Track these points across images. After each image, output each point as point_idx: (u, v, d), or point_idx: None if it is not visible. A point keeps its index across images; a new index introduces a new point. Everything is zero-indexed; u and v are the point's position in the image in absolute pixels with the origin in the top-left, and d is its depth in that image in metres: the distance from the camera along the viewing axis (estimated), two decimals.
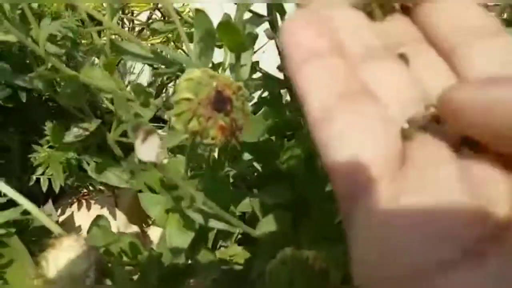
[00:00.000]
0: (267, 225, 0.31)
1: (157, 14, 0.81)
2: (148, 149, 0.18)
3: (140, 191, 0.66)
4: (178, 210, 0.31)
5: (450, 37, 0.13)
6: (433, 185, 0.10)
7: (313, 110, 0.12)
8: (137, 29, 0.81)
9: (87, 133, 0.40)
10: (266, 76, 0.55)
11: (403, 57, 0.13)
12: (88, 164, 0.50)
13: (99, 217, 0.46)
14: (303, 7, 0.14)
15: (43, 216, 0.28)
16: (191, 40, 0.51)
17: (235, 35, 0.26)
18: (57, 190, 0.52)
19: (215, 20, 0.30)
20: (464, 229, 0.10)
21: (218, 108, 0.18)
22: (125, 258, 0.44)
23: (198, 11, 0.31)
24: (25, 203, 0.27)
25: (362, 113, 0.11)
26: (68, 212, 0.65)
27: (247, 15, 0.48)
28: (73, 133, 0.40)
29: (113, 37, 0.41)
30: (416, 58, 0.13)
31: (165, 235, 0.44)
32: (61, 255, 0.23)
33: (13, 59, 0.45)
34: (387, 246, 0.10)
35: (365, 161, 0.11)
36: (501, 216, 0.10)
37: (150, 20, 0.84)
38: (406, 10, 0.14)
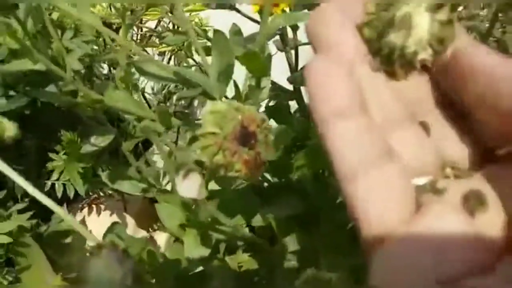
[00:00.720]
0: (290, 243, 0.32)
1: (165, 21, 0.81)
2: (189, 186, 0.19)
3: (150, 198, 0.67)
4: (195, 226, 0.33)
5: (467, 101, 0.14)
6: (438, 221, 0.13)
7: (342, 167, 0.13)
8: (142, 33, 0.82)
9: (104, 144, 0.41)
10: (276, 87, 0.56)
11: (423, 124, 0.14)
12: (103, 170, 0.52)
13: (114, 224, 0.48)
14: (323, 53, 0.14)
15: (73, 220, 0.29)
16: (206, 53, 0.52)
17: (258, 63, 0.26)
18: (71, 196, 0.53)
19: (221, 27, 0.30)
20: (465, 253, 0.12)
21: (243, 142, 0.19)
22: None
23: (216, 32, 0.31)
24: (55, 207, 0.28)
25: (386, 173, 0.13)
26: (79, 217, 0.66)
27: (255, 27, 0.49)
28: (91, 145, 0.41)
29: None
30: (435, 124, 0.15)
31: (173, 241, 0.45)
32: (99, 262, 0.24)
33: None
34: (403, 267, 0.13)
35: (386, 215, 0.13)
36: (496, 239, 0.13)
37: (159, 28, 0.85)
38: (424, 68, 0.15)
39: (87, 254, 0.24)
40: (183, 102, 0.84)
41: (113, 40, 0.42)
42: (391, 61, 0.15)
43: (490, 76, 0.13)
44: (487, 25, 0.28)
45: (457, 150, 0.15)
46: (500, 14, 0.27)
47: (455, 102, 0.15)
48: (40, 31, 0.36)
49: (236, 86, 0.32)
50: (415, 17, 0.15)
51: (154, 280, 0.43)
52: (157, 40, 0.80)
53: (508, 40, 0.28)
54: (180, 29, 0.68)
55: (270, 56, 0.31)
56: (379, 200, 0.13)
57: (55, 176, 0.53)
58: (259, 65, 0.27)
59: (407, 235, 0.13)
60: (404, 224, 0.13)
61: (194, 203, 0.31)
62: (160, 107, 0.30)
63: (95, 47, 0.46)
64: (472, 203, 0.14)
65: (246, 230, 0.35)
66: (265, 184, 0.50)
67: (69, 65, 0.27)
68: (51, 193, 0.55)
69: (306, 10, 0.40)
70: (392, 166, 0.13)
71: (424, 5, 0.14)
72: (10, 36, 0.24)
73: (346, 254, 0.32)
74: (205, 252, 0.32)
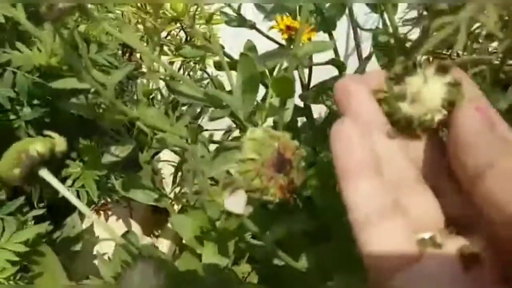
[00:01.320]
0: (308, 258, 0.33)
1: (176, 30, 0.83)
2: (236, 201, 0.20)
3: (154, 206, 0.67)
4: (215, 239, 0.34)
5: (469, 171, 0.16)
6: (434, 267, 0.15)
7: (356, 217, 0.16)
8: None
9: (123, 154, 0.42)
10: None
11: (433, 187, 0.17)
12: (116, 179, 0.53)
13: (127, 232, 0.49)
14: (347, 118, 0.17)
15: (101, 222, 0.30)
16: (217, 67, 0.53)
17: (288, 86, 0.28)
18: (84, 202, 0.54)
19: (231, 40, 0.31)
20: None
21: (279, 169, 0.20)
22: None
23: (243, 55, 0.33)
24: (88, 212, 0.30)
25: (393, 225, 0.16)
26: (87, 222, 0.67)
27: (271, 45, 0.51)
28: (110, 156, 0.42)
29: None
30: (441, 184, 0.17)
31: (176, 249, 0.45)
32: (136, 274, 0.25)
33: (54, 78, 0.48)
34: None
35: (390, 260, 0.16)
36: None
37: (169, 37, 0.86)
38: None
39: (125, 266, 0.25)
40: (187, 111, 0.85)
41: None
42: (410, 129, 0.17)
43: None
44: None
45: (460, 210, 0.17)
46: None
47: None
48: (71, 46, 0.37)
49: (258, 107, 0.34)
50: (425, 87, 0.17)
51: None
52: (167, 49, 0.81)
53: None
54: (193, 41, 0.69)
55: (294, 79, 0.33)
56: (382, 247, 0.16)
57: (68, 182, 0.54)
58: (287, 88, 0.28)
59: (405, 277, 0.15)
60: (406, 268, 0.16)
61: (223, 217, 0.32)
62: (192, 125, 0.31)
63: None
64: (467, 258, 0.16)
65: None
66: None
67: (111, 84, 0.28)
68: (62, 200, 0.56)
69: (328, 39, 0.41)
70: (399, 219, 0.16)
71: (439, 79, 0.17)
72: (66, 54, 0.26)
73: (358, 270, 0.33)
74: (225, 262, 0.33)
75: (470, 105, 0.16)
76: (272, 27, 0.40)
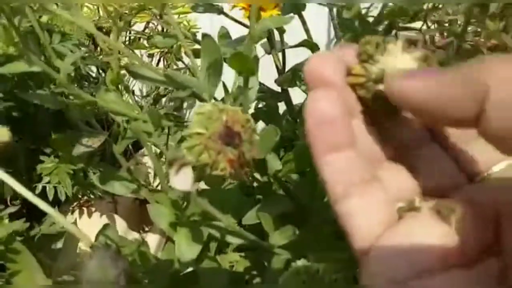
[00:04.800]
0: (278, 238, 0.33)
1: (153, 23, 0.82)
2: (183, 179, 0.19)
3: (140, 199, 0.67)
4: (186, 224, 0.33)
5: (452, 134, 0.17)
6: (413, 226, 0.15)
7: (333, 190, 0.16)
8: (130, 36, 0.82)
9: (95, 146, 0.42)
10: (264, 89, 0.57)
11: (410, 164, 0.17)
12: (94, 173, 0.52)
13: (106, 225, 0.48)
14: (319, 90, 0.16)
15: (68, 222, 0.29)
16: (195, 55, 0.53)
17: (246, 63, 0.27)
18: (63, 199, 0.54)
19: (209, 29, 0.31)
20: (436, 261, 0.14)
21: (228, 142, 0.20)
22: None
23: (205, 35, 0.32)
24: (50, 210, 0.29)
25: (370, 194, 0.16)
26: (70, 219, 0.66)
27: (244, 31, 0.50)
28: (82, 147, 0.42)
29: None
30: (418, 160, 0.17)
31: (165, 243, 0.45)
32: (94, 262, 0.24)
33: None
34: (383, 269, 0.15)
35: (370, 228, 0.15)
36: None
37: (147, 30, 0.85)
38: None
39: (82, 255, 0.25)
40: (172, 104, 0.84)
41: (103, 43, 0.42)
42: (384, 109, 0.16)
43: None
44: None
45: (441, 178, 0.17)
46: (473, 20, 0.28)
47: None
48: (29, 34, 0.36)
49: (224, 87, 0.33)
50: (396, 65, 0.16)
51: (147, 281, 0.44)
52: (145, 42, 0.80)
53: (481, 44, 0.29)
54: (169, 31, 0.68)
55: (257, 58, 0.32)
56: (363, 216, 0.15)
57: (45, 179, 0.53)
58: (246, 65, 0.28)
59: (385, 242, 0.15)
60: (385, 234, 0.15)
61: (185, 199, 0.32)
62: (151, 108, 0.31)
63: (83, 49, 0.46)
64: (444, 211, 0.15)
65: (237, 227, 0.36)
66: (254, 183, 0.51)
67: (64, 68, 0.27)
68: (41, 197, 0.55)
69: (291, 14, 0.41)
70: (376, 188, 0.16)
71: (408, 55, 0.16)
72: (7, 37, 0.25)
73: (333, 248, 0.33)
74: (197, 249, 0.33)
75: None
76: (234, 6, 0.39)
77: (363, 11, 0.34)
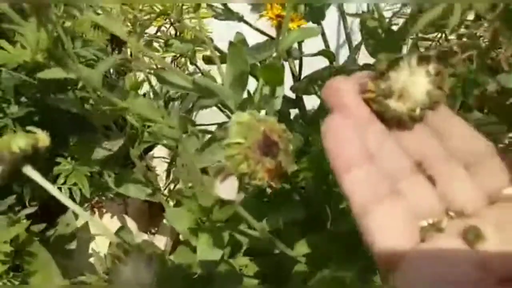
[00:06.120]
0: (302, 247, 0.34)
1: (166, 26, 0.82)
2: (227, 188, 0.20)
3: (150, 201, 0.67)
4: (209, 229, 0.34)
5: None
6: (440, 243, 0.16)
7: (355, 205, 0.16)
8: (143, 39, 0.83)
9: (115, 148, 0.42)
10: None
11: (430, 177, 0.17)
12: (109, 175, 0.53)
13: (121, 228, 0.48)
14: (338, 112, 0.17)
15: (98, 222, 0.30)
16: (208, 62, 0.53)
17: (276, 74, 0.28)
18: (77, 200, 0.54)
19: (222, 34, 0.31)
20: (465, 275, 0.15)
21: (266, 152, 0.20)
22: None
23: (232, 44, 0.33)
24: (78, 209, 0.29)
25: (393, 208, 0.16)
26: (82, 220, 0.67)
27: (261, 38, 0.51)
28: (102, 150, 0.42)
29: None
30: (438, 175, 0.18)
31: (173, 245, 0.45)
32: (128, 266, 0.25)
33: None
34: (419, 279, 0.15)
35: (394, 243, 0.16)
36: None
37: (159, 33, 0.86)
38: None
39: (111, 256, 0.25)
40: (180, 107, 0.84)
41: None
42: (400, 123, 0.18)
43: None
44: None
45: (462, 196, 0.17)
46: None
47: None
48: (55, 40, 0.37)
49: (249, 95, 0.34)
50: (409, 81, 0.17)
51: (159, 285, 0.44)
52: (157, 46, 0.80)
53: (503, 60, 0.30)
54: (182, 36, 0.69)
55: (283, 67, 0.33)
56: (387, 231, 0.16)
57: (61, 180, 0.53)
58: (276, 76, 0.28)
59: (418, 255, 0.16)
60: (412, 249, 0.16)
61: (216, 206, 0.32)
62: (182, 115, 0.31)
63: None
64: (470, 236, 0.16)
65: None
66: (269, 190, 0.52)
67: (98, 73, 0.28)
68: (55, 199, 0.56)
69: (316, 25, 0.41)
70: (399, 203, 0.17)
71: (421, 70, 0.17)
72: (51, 44, 0.26)
73: (354, 256, 0.33)
74: (218, 253, 0.33)
75: None
76: (261, 16, 0.40)
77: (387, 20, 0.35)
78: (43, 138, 0.26)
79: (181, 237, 0.57)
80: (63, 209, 0.61)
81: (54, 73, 0.27)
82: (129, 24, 0.46)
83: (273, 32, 0.47)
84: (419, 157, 0.18)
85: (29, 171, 0.29)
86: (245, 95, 0.34)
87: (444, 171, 0.18)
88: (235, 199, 0.20)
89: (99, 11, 0.40)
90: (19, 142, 0.25)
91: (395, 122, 0.18)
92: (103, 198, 0.68)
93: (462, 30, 0.31)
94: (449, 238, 0.16)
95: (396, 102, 0.17)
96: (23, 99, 0.44)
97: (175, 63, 0.84)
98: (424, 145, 0.18)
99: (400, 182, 0.17)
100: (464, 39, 0.35)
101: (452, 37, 0.36)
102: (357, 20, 0.44)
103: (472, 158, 0.18)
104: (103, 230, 0.27)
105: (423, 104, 0.18)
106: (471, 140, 0.18)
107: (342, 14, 0.53)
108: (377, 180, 0.16)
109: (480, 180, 0.17)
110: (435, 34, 0.35)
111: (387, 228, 0.16)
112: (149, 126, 0.43)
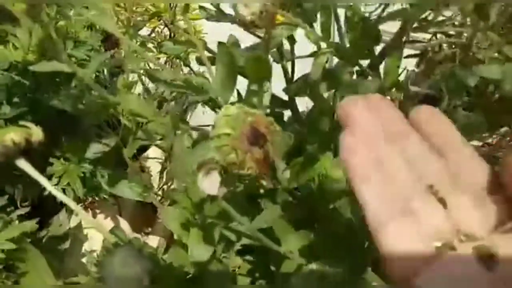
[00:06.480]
0: (294, 243, 0.34)
1: (160, 27, 0.83)
2: (210, 183, 0.20)
3: (143, 202, 0.67)
4: (200, 226, 0.34)
5: None
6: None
7: (371, 217, 0.17)
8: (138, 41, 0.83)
9: (106, 149, 0.42)
10: (273, 97, 0.58)
11: (441, 200, 0.18)
12: (102, 176, 0.53)
13: (114, 228, 0.48)
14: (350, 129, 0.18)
15: (91, 219, 0.30)
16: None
17: (263, 68, 0.28)
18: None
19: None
20: None
21: (254, 142, 0.21)
22: None
23: (221, 44, 0.33)
24: (76, 207, 0.29)
25: (404, 226, 0.17)
26: (75, 221, 0.66)
27: (255, 39, 0.51)
28: (93, 150, 0.42)
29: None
30: (448, 197, 0.18)
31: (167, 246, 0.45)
32: (117, 260, 0.25)
33: (32, 75, 0.47)
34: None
35: (407, 261, 0.17)
36: None
37: (153, 34, 0.86)
38: None
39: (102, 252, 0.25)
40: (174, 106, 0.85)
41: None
42: None
43: None
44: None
45: (471, 219, 0.18)
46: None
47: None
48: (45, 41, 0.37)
49: (238, 93, 0.34)
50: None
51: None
52: (152, 47, 0.81)
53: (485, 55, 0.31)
54: (176, 37, 0.69)
55: (269, 60, 0.33)
56: (401, 247, 0.17)
57: (54, 181, 0.53)
58: (261, 69, 0.29)
59: (433, 273, 0.16)
60: (427, 266, 0.16)
61: (206, 201, 0.32)
62: (172, 111, 0.32)
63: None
64: (484, 257, 0.16)
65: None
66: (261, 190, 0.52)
67: (90, 71, 0.28)
68: (48, 199, 0.56)
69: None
70: (409, 221, 0.17)
71: None
72: (46, 37, 0.26)
73: (344, 253, 0.34)
74: (209, 250, 0.33)
75: None
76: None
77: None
78: (36, 132, 0.26)
79: (175, 236, 0.57)
80: (56, 210, 0.61)
81: (48, 66, 0.28)
82: (121, 25, 0.47)
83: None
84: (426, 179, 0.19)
85: (23, 164, 0.29)
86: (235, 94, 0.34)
87: (452, 198, 0.18)
88: (217, 193, 0.21)
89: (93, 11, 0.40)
90: (12, 135, 0.25)
91: None
92: (97, 198, 0.68)
93: (446, 28, 0.32)
94: (462, 256, 0.17)
95: None
96: (15, 99, 0.44)
97: (169, 64, 0.85)
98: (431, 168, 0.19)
99: (413, 200, 0.18)
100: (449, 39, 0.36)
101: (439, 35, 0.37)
102: None
103: (479, 189, 0.18)
104: (96, 227, 0.27)
105: None
106: (478, 172, 0.19)
107: (335, 16, 0.53)
108: (390, 196, 0.17)
109: (486, 212, 0.18)
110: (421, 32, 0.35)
111: (402, 244, 0.17)
112: (142, 126, 0.44)
